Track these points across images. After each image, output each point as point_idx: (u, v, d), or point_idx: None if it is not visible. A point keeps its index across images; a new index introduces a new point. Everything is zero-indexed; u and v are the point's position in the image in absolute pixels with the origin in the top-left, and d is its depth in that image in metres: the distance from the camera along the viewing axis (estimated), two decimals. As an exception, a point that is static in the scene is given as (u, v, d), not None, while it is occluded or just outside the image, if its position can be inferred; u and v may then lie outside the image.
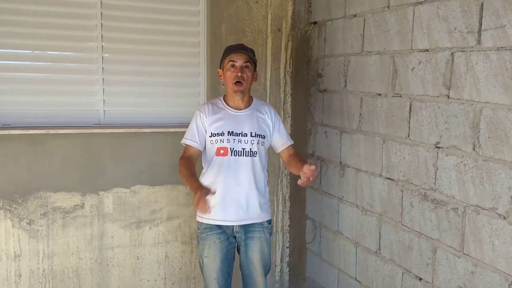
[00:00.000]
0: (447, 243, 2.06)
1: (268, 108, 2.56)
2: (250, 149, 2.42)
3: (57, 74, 2.90)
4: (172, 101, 3.18)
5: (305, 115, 3.21)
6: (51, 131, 2.82)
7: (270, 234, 2.59)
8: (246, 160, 2.42)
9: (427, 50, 2.14)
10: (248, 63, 2.42)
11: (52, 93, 2.91)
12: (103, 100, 3.00)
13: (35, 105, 2.88)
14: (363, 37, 2.59)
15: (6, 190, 2.79)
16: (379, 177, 2.49)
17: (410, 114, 2.26)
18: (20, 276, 2.87)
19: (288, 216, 3.49)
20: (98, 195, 2.99)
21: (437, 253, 2.12)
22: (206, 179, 2.45)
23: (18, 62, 2.84)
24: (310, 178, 2.19)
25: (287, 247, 3.52)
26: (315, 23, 3.08)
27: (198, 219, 2.51)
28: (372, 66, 2.52)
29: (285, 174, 3.42)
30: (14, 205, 2.81)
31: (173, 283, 3.23)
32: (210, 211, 2.20)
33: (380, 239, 2.51)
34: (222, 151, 2.40)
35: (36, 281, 2.90)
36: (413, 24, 2.22)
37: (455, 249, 2.02)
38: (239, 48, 2.45)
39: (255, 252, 2.51)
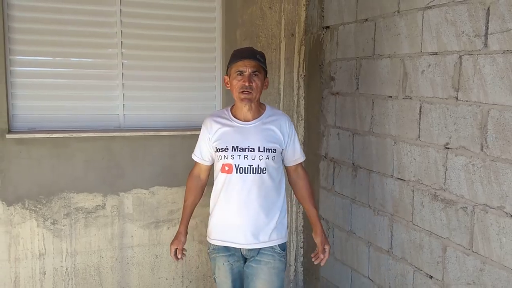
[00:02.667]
0: (457, 241, 2.11)
1: (283, 120, 2.30)
2: (258, 165, 2.18)
3: (80, 80, 3.03)
4: (189, 105, 3.29)
5: (318, 118, 3.28)
6: (74, 135, 2.94)
7: (284, 263, 2.31)
8: (253, 177, 2.19)
9: (436, 53, 2.20)
10: (257, 71, 2.19)
11: (75, 98, 3.03)
12: (123, 104, 3.12)
13: (58, 110, 3.02)
14: (374, 41, 2.65)
15: (31, 191, 2.92)
16: (390, 177, 2.55)
17: (420, 116, 2.32)
18: (45, 273, 2.99)
19: (302, 216, 3.56)
20: (119, 196, 3.10)
21: (447, 251, 2.17)
22: (213, 198, 2.33)
23: (42, 69, 2.97)
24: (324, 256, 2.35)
25: (301, 247, 3.59)
26: (327, 27, 3.15)
27: (208, 239, 2.38)
28: (383, 69, 2.59)
29: (299, 176, 3.49)
30: (39, 206, 2.94)
31: (190, 281, 3.32)
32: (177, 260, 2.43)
33: (392, 238, 2.56)
34: (226, 168, 2.19)
35: (60, 279, 3.02)
36: (422, 28, 2.28)
37: (464, 247, 2.07)
38: (248, 55, 2.19)
39: (260, 280, 2.23)
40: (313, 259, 2.36)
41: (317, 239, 2.37)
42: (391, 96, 2.53)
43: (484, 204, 1.97)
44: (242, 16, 3.26)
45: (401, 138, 2.46)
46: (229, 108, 2.34)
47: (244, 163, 2.18)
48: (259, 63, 2.19)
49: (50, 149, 2.93)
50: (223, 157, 2.21)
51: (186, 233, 2.44)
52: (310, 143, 3.42)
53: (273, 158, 2.22)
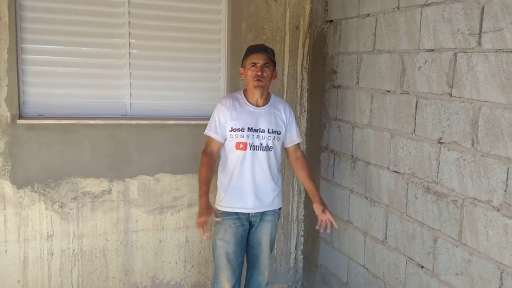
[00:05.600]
0: (447, 233, 2.18)
1: (284, 105, 2.75)
2: (267, 144, 2.63)
3: (88, 69, 3.12)
4: (194, 95, 3.37)
5: (320, 110, 3.35)
6: (82, 122, 3.04)
7: (279, 218, 2.84)
8: (263, 154, 2.63)
9: (433, 50, 2.25)
10: (268, 63, 2.59)
11: (83, 86, 3.13)
12: (130, 93, 3.21)
13: (67, 97, 3.11)
14: (375, 36, 2.71)
15: (40, 175, 3.03)
16: (386, 170, 2.62)
17: (416, 111, 2.38)
18: (52, 254, 3.12)
19: (303, 206, 3.64)
20: (124, 181, 3.20)
21: (437, 242, 2.25)
22: (225, 171, 2.68)
23: (52, 57, 3.06)
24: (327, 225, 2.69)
25: (301, 236, 3.67)
26: (331, 21, 3.20)
27: (217, 207, 2.71)
28: (382, 64, 2.64)
29: (300, 166, 3.57)
30: (47, 189, 3.06)
31: (192, 266, 3.43)
32: (206, 236, 2.50)
33: (386, 229, 2.64)
34: (241, 146, 2.60)
35: (67, 260, 3.15)
36: (420, 25, 2.33)
37: (453, 239, 2.15)
38: (260, 50, 2.60)
39: (265, 235, 2.74)
40: (317, 228, 2.70)
41: (315, 205, 2.71)
42: (389, 91, 2.59)
43: (473, 198, 2.04)
44: (247, 9, 3.32)
45: (398, 131, 2.52)
46: (242, 92, 2.70)
47: (256, 142, 2.61)
48: (269, 57, 2.60)
49: (58, 135, 3.03)
50: (239, 136, 2.59)
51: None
52: (312, 134, 3.49)
53: (278, 139, 2.68)
